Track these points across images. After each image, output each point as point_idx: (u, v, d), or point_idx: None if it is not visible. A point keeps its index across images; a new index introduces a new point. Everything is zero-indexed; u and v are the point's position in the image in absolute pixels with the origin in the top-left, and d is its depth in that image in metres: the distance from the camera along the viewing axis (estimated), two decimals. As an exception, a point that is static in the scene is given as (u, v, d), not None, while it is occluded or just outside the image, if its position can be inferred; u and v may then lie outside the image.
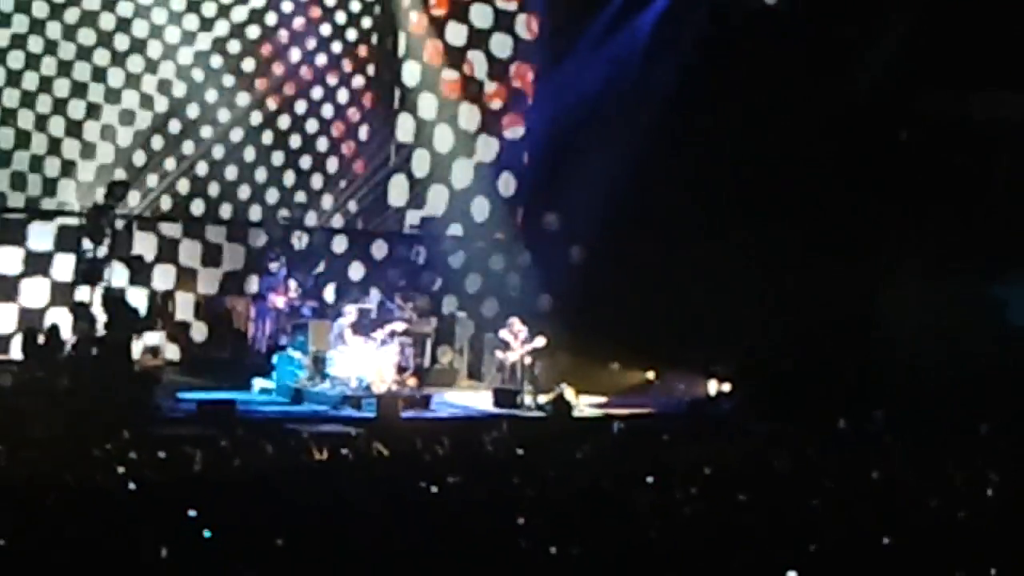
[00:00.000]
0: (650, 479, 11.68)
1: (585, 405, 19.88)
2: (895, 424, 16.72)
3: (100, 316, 19.45)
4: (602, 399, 20.47)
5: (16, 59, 20.58)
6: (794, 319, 20.97)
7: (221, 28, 21.94)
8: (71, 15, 20.90)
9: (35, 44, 20.73)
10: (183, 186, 21.89)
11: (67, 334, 19.03)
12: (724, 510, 10.55)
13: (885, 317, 20.88)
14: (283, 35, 22.52)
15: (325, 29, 22.79)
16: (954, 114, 21.28)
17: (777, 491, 11.47)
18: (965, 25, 20.42)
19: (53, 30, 20.83)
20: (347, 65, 23.01)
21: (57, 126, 20.91)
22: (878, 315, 21.00)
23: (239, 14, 22.10)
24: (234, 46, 22.05)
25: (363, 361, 19.30)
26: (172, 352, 21.17)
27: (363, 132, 23.19)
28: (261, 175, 22.45)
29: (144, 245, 21.40)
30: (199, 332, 21.63)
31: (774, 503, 10.88)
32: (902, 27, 21.12)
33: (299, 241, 22.54)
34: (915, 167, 21.21)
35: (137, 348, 19.61)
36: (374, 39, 23.20)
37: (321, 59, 22.78)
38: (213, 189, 22.15)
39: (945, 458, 13.41)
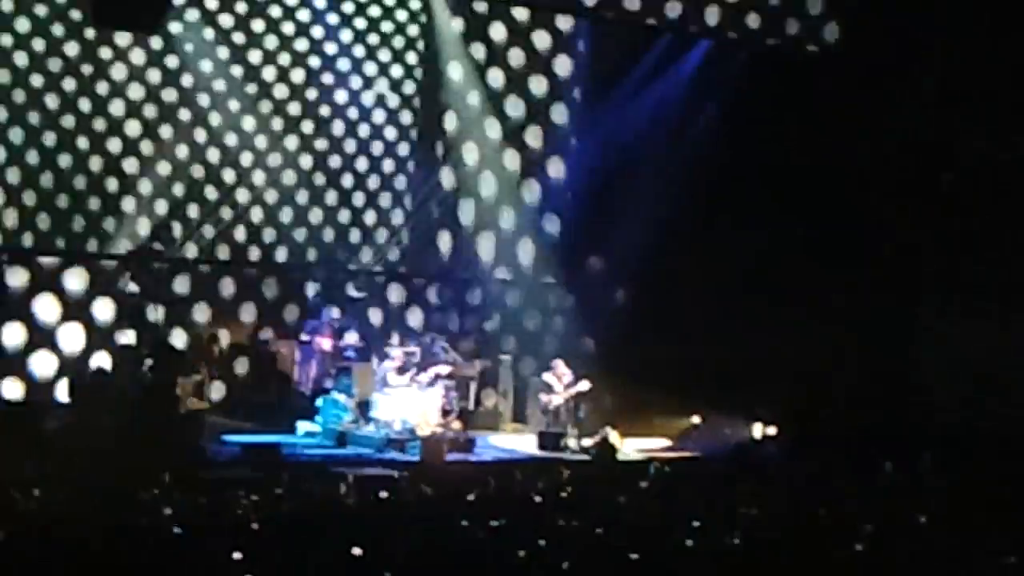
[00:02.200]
0: (695, 523, 11.63)
1: (630, 448, 19.81)
2: (942, 468, 16.59)
3: (146, 359, 19.60)
4: (647, 442, 20.40)
5: (68, 120, 20.82)
6: (840, 363, 20.89)
7: (268, 73, 22.16)
8: (118, 72, 21.15)
9: (85, 104, 21.00)
10: (231, 229, 22.05)
11: (113, 377, 19.22)
12: (768, 554, 10.49)
13: (931, 360, 20.77)
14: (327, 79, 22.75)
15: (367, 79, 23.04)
16: (999, 156, 21.18)
17: (821, 535, 11.40)
18: (1008, 67, 20.38)
19: (102, 88, 21.09)
20: (390, 113, 23.23)
21: (105, 173, 21.11)
22: (924, 358, 20.89)
23: (284, 59, 22.34)
24: (281, 90, 22.27)
25: (407, 404, 19.33)
26: (217, 394, 21.23)
27: (407, 178, 23.39)
28: (309, 218, 22.62)
29: (188, 288, 21.52)
30: (244, 375, 21.69)
31: (818, 547, 10.82)
32: (945, 69, 21.08)
33: (346, 286, 22.62)
34: (960, 209, 21.14)
35: (182, 391, 19.71)
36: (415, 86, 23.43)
37: (364, 105, 23.02)
38: (263, 232, 22.33)
39: (991, 503, 13.31)
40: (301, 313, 21.92)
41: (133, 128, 21.48)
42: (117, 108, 21.36)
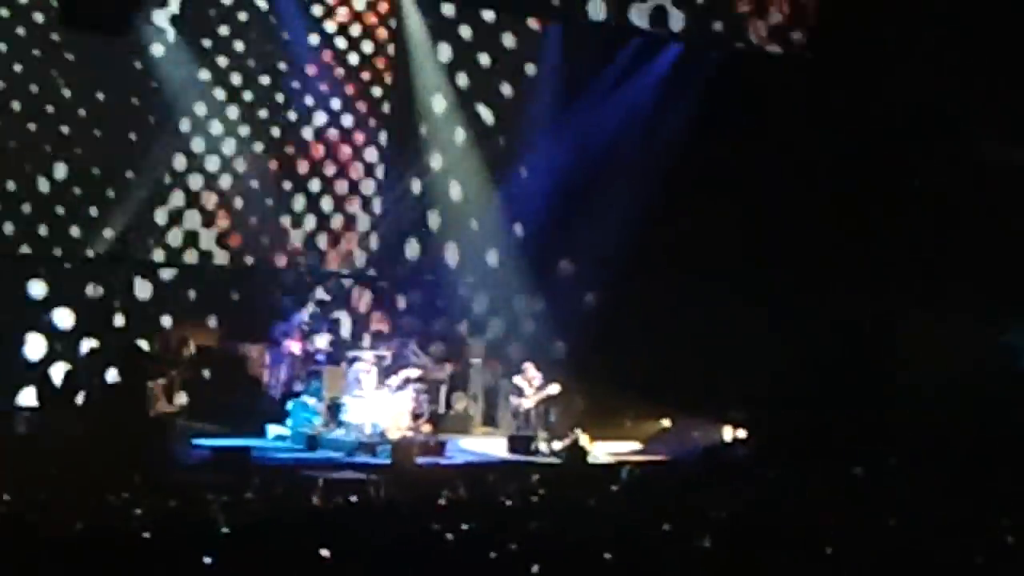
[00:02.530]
0: (665, 526, 11.63)
1: (600, 452, 19.82)
2: (911, 471, 16.63)
3: (113, 363, 19.54)
4: (617, 445, 20.41)
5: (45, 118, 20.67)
6: (810, 365, 20.94)
7: (236, 79, 22.06)
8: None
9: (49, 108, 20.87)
10: (200, 233, 21.95)
11: (79, 381, 19.15)
12: (738, 557, 10.50)
13: (901, 363, 20.85)
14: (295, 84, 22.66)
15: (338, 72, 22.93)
16: (972, 158, 21.27)
17: (791, 538, 11.41)
18: (980, 69, 20.47)
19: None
20: (362, 106, 23.13)
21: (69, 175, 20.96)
22: (894, 361, 20.96)
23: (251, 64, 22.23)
24: (248, 95, 22.17)
25: (378, 407, 19.31)
26: (186, 398, 21.14)
27: (377, 176, 23.31)
28: (280, 221, 22.52)
29: (155, 291, 21.44)
30: (212, 378, 21.60)
31: (788, 550, 10.83)
32: (916, 72, 21.15)
33: (316, 288, 22.55)
34: (932, 212, 21.22)
35: (151, 394, 19.64)
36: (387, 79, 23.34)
37: (335, 103, 22.91)
38: (231, 236, 22.20)
39: (962, 505, 13.35)
40: (270, 317, 21.84)
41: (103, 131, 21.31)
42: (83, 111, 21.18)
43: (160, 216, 21.61)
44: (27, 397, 19.52)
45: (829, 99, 21.42)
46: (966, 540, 11.31)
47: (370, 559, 9.76)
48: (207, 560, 9.48)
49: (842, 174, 21.60)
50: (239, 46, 22.15)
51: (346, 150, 23.14)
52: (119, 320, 20.33)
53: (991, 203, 21.01)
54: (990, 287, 20.56)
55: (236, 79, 22.19)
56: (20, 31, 20.47)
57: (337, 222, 23.13)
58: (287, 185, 22.70)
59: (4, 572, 8.95)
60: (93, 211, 21.05)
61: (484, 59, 23.59)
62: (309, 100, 22.81)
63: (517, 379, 20.58)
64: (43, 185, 20.80)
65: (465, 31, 23.39)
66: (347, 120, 23.15)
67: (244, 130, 22.21)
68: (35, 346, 20.21)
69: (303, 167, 22.85)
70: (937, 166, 21.41)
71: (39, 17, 20.43)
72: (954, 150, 21.29)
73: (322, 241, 22.99)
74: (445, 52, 23.23)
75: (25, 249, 20.70)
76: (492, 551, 10.17)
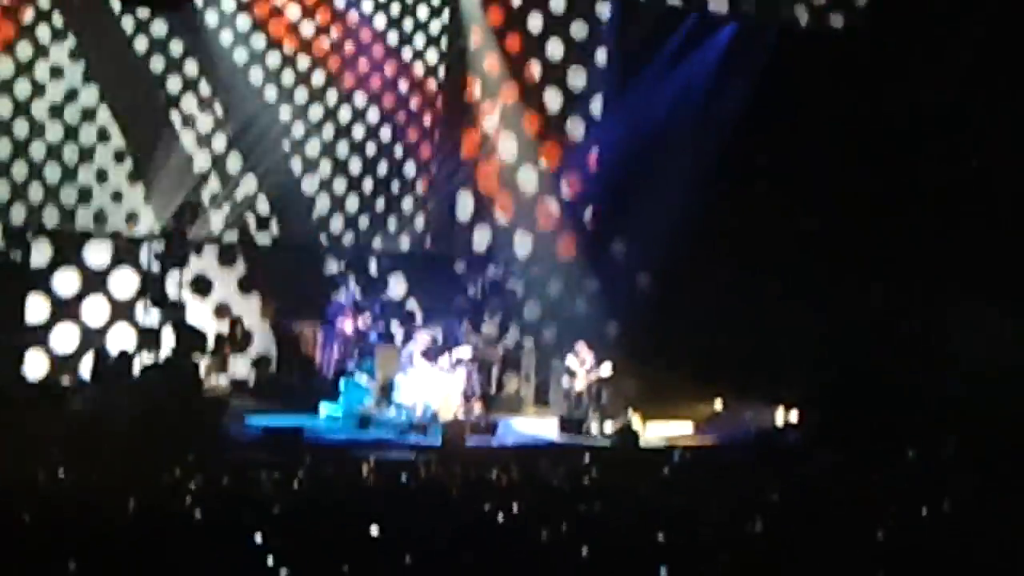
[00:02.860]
0: (717, 509, 11.61)
1: (652, 434, 19.77)
2: (966, 454, 16.51)
3: (168, 340, 19.66)
4: (669, 427, 20.36)
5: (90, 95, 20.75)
6: (863, 348, 20.82)
7: (288, 49, 21.98)
8: (141, 43, 21.02)
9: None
10: (253, 210, 21.96)
11: (135, 357, 19.28)
12: (791, 539, 10.47)
13: (956, 345, 20.67)
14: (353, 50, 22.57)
15: (396, 61, 22.89)
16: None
17: (844, 521, 11.37)
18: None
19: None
20: (415, 101, 23.08)
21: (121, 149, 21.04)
22: (949, 343, 20.79)
23: (307, 29, 22.15)
24: (304, 61, 22.09)
25: (430, 387, 19.34)
26: (240, 376, 21.26)
27: (433, 158, 23.28)
28: (328, 199, 22.49)
29: (211, 269, 21.56)
30: (268, 357, 21.70)
31: (841, 533, 10.79)
32: (971, 49, 20.93)
33: (367, 266, 22.58)
34: (987, 193, 21.01)
35: (204, 372, 19.77)
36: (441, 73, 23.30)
37: (390, 92, 22.87)
38: (283, 212, 22.19)
39: (1016, 488, 13.25)
40: (324, 295, 21.89)
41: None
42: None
43: (212, 190, 21.62)
44: (84, 371, 19.70)
45: (882, 84, 21.23)
46: (1015, 527, 11.24)
47: (420, 539, 9.79)
48: (258, 538, 9.54)
49: (900, 155, 21.40)
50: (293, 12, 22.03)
51: (401, 129, 23.06)
52: (173, 298, 20.37)
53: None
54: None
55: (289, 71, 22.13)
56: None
57: (392, 202, 23.05)
58: (341, 155, 22.58)
59: (60, 548, 9.03)
60: (139, 190, 21.10)
61: (534, 35, 23.50)
62: (364, 67, 22.69)
63: (569, 360, 20.52)
64: (101, 157, 20.87)
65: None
66: (405, 99, 23.04)
67: (300, 96, 22.13)
68: (93, 317, 20.40)
69: (358, 134, 22.70)
70: (989, 154, 21.18)
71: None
72: (1007, 138, 21.06)
73: (376, 220, 22.92)
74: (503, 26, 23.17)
75: (83, 223, 20.82)
76: (542, 532, 10.18)
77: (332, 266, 22.45)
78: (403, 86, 22.89)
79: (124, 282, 20.65)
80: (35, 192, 20.44)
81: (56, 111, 20.51)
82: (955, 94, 21.12)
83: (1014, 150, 20.84)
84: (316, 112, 22.21)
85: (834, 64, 21.45)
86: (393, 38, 22.76)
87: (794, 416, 20.77)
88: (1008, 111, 20.87)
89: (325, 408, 19.77)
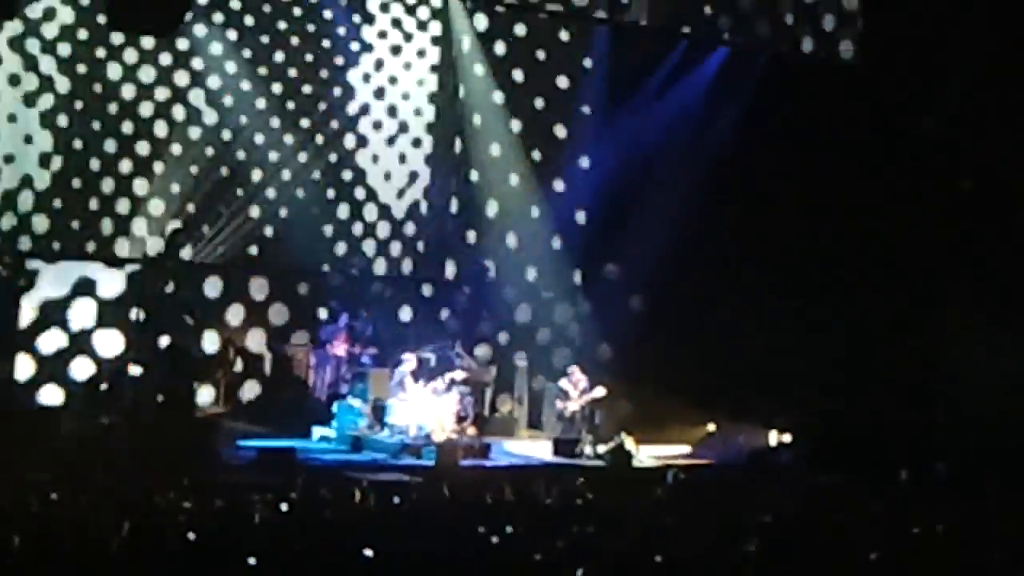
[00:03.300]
0: (711, 530, 11.60)
1: (645, 455, 19.78)
2: (959, 477, 16.53)
3: (160, 362, 19.64)
4: (662, 449, 20.37)
5: (63, 119, 20.73)
6: (855, 370, 20.84)
7: (263, 70, 21.99)
8: (113, 71, 21.01)
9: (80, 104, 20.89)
10: (240, 234, 21.97)
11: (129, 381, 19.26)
12: (783, 562, 10.46)
13: (949, 368, 20.72)
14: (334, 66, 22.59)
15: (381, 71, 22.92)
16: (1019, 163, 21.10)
17: (836, 543, 11.37)
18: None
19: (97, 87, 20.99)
20: (406, 108, 23.11)
21: (107, 183, 21.03)
22: (941, 366, 20.84)
23: (280, 56, 22.18)
24: (278, 88, 22.12)
25: (423, 410, 19.32)
26: (233, 399, 21.24)
27: (424, 178, 23.28)
28: (318, 222, 22.49)
29: (203, 291, 21.54)
30: (258, 380, 21.68)
31: (833, 555, 10.79)
32: (966, 76, 21.01)
33: (361, 292, 22.59)
34: (981, 218, 21.07)
35: (197, 395, 19.76)
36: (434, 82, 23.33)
37: (378, 103, 22.90)
38: (270, 234, 22.17)
39: (1009, 511, 13.26)
40: (315, 319, 21.91)
41: (158, 129, 21.36)
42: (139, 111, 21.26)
43: (202, 218, 21.60)
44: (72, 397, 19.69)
45: (876, 103, 21.29)
46: (1014, 547, 11.24)
47: (414, 561, 9.77)
48: (252, 561, 9.51)
49: (893, 179, 21.45)
50: (280, 57, 22.09)
51: (390, 154, 23.08)
52: (164, 321, 20.36)
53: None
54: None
55: (278, 87, 22.14)
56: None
57: (383, 227, 23.05)
58: (331, 192, 22.60)
59: (52, 572, 9.00)
60: (123, 206, 21.09)
61: (530, 62, 23.52)
62: (354, 106, 22.75)
63: (562, 382, 20.54)
64: (76, 183, 20.88)
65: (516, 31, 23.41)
66: (391, 125, 23.07)
67: (294, 130, 22.18)
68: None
69: (347, 173, 22.76)
70: (986, 170, 21.24)
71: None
72: (1003, 153, 21.12)
73: (368, 246, 22.91)
74: (494, 51, 23.21)
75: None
76: (536, 554, 10.17)
77: (325, 289, 22.44)
78: (394, 123, 22.99)
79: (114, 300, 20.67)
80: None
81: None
82: (949, 116, 21.19)
83: (1012, 166, 20.90)
84: (299, 133, 22.26)
85: (826, 90, 21.50)
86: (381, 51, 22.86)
87: (787, 437, 20.79)
88: (1004, 129, 20.93)
89: (318, 431, 19.76)
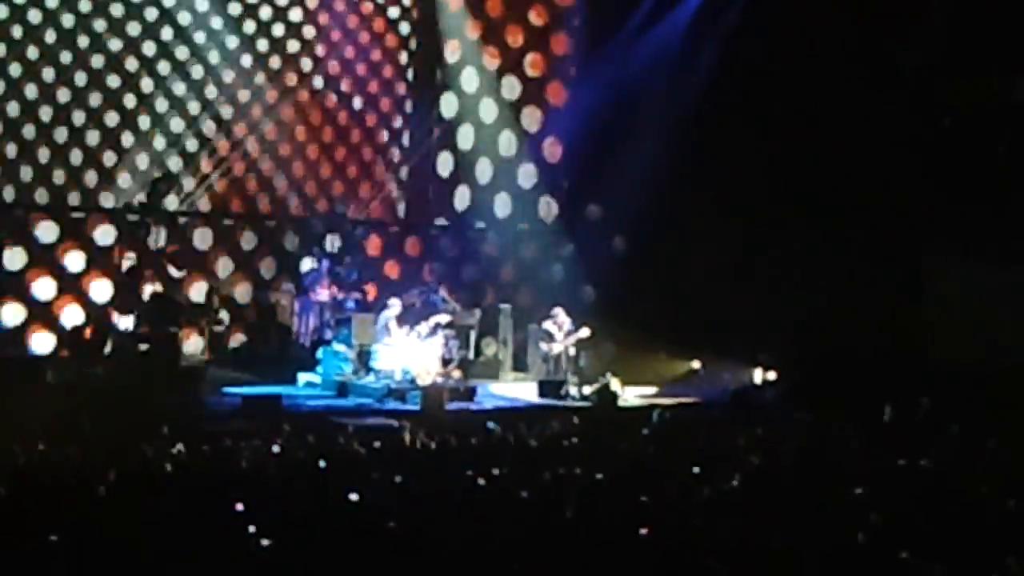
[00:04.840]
0: (696, 468, 11.65)
1: (631, 395, 19.83)
2: (942, 413, 16.57)
3: (145, 312, 19.61)
4: (647, 389, 20.42)
5: (48, 73, 20.64)
6: (839, 307, 20.87)
7: (250, 26, 21.89)
8: (99, 25, 20.87)
9: (66, 57, 20.76)
10: (220, 184, 21.92)
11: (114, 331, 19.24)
12: (768, 498, 10.51)
13: (931, 305, 20.75)
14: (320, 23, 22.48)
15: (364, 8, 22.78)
16: (1000, 99, 21.05)
17: (821, 479, 11.42)
18: (1011, 8, 20.24)
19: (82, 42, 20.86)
20: (390, 41, 22.97)
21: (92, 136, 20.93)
22: (924, 303, 20.86)
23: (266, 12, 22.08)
24: (263, 44, 22.02)
25: (407, 354, 19.33)
26: (218, 346, 21.23)
27: (405, 113, 23.17)
28: (297, 169, 22.44)
29: (183, 241, 21.50)
30: (243, 327, 21.67)
31: (818, 491, 10.84)
32: (946, 10, 20.92)
33: (339, 236, 22.55)
34: (961, 153, 21.02)
35: (182, 343, 19.74)
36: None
37: (361, 39, 22.76)
38: (250, 185, 22.15)
39: (993, 445, 13.32)
40: (299, 265, 21.88)
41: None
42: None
43: (176, 166, 21.55)
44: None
45: (857, 36, 21.19)
46: (996, 482, 11.30)
47: (401, 504, 9.80)
48: (239, 506, 9.54)
49: (873, 116, 21.40)
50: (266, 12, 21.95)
51: (371, 98, 23.01)
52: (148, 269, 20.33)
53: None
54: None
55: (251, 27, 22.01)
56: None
57: (365, 169, 23.01)
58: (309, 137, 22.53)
59: (40, 519, 9.02)
60: (113, 161, 21.03)
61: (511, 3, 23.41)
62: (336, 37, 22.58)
63: (547, 324, 20.54)
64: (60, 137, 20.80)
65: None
66: (369, 64, 22.96)
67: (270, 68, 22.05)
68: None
69: (330, 106, 22.65)
70: (970, 106, 21.18)
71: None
72: (984, 90, 21.06)
73: (349, 189, 22.87)
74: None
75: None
76: (523, 495, 10.20)
77: (307, 235, 22.40)
78: (376, 54, 22.84)
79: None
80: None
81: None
82: (933, 53, 21.11)
83: (993, 103, 20.84)
84: (290, 79, 22.15)
85: (807, 26, 21.39)
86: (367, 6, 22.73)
87: (772, 374, 20.85)
88: (988, 61, 20.87)
89: (303, 377, 19.78)
